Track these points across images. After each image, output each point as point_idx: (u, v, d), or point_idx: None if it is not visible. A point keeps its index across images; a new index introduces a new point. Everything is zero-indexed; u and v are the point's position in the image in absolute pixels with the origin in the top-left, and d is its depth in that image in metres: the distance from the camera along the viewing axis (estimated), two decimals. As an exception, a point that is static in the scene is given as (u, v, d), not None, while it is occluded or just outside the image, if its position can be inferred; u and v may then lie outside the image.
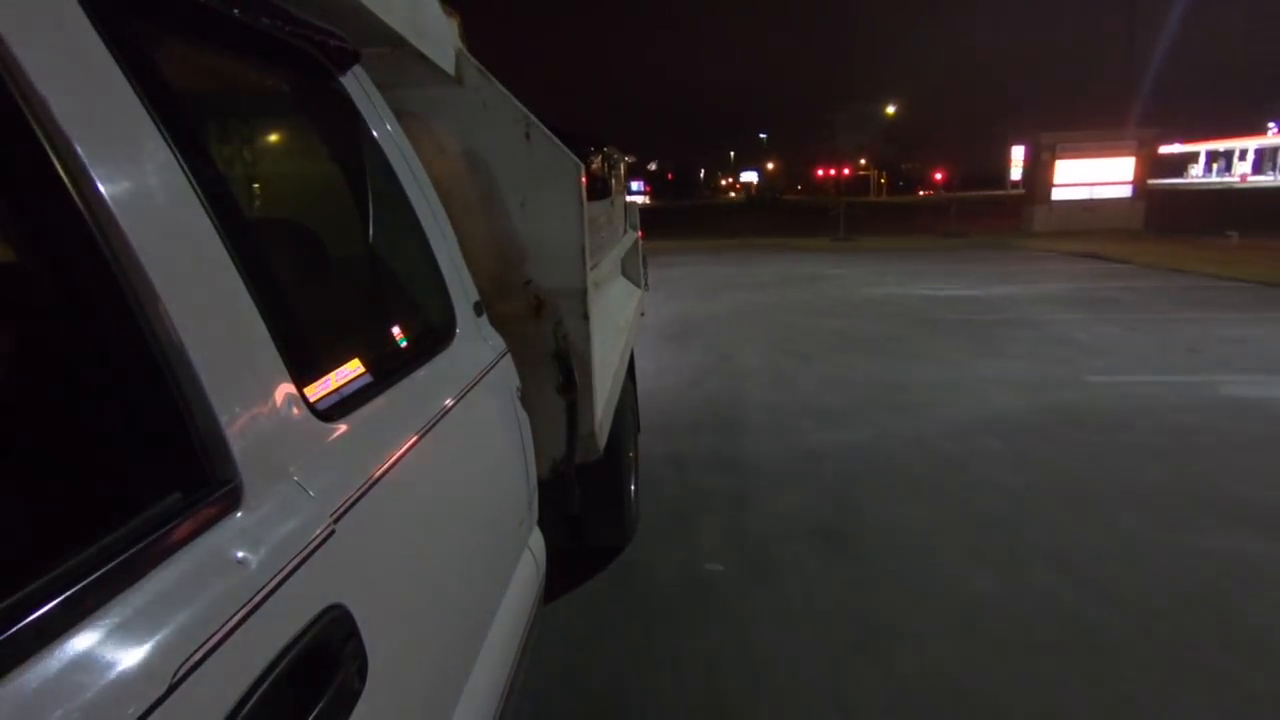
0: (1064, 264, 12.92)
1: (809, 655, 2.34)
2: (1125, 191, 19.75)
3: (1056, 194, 20.07)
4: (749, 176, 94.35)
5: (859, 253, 16.45)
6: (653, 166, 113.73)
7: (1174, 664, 2.23)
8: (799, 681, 2.23)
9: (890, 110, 60.04)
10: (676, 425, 4.56)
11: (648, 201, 64.71)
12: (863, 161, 74.48)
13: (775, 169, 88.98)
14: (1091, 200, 19.75)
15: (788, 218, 27.62)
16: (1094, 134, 20.45)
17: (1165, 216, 15.33)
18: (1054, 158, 19.99)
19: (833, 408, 4.84)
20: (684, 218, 33.52)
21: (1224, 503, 3.26)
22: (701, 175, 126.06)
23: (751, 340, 7.12)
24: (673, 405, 5.00)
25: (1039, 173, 20.49)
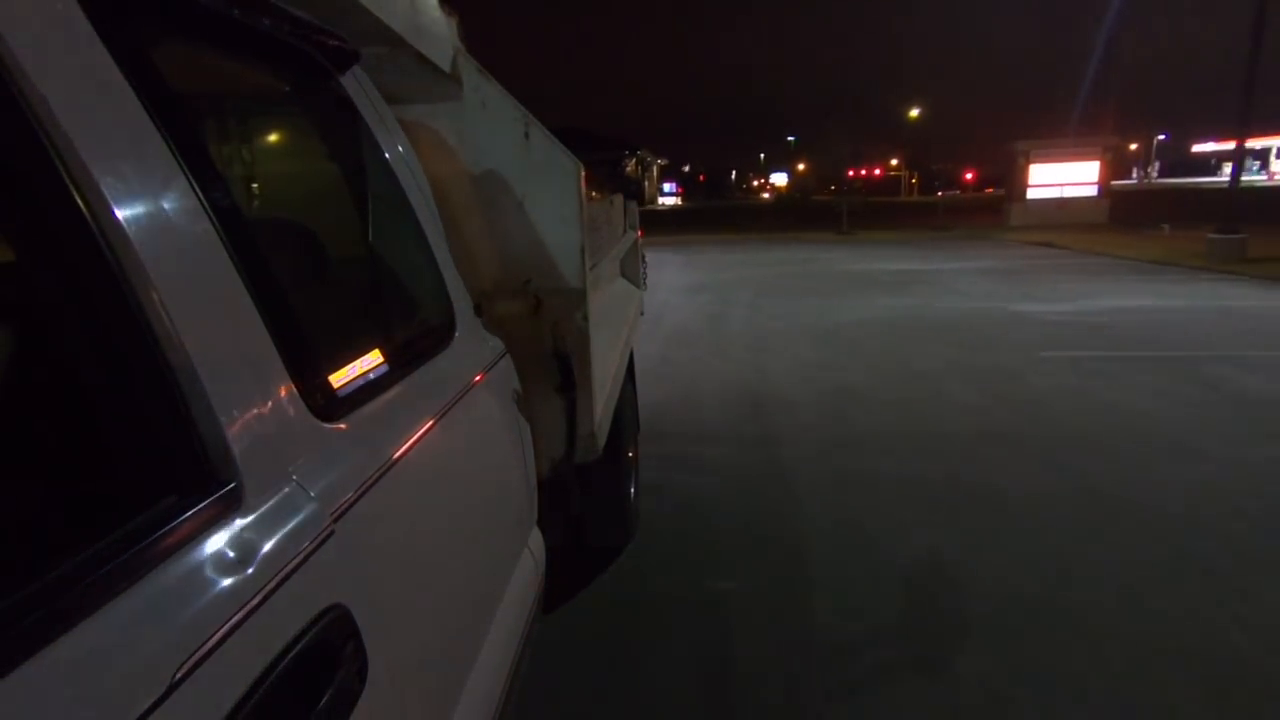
0: (1015, 249, 16.13)
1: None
2: (1092, 191, 22.70)
3: (1031, 193, 23.00)
4: (779, 178, 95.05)
5: (854, 243, 18.97)
6: (686, 169, 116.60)
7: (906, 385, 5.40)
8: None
9: (913, 114, 60.60)
10: (690, 322, 8.48)
11: (679, 202, 65.12)
12: (894, 162, 74.84)
13: (806, 169, 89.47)
14: (1062, 198, 22.62)
15: (807, 215, 30.57)
16: (1062, 141, 23.79)
17: (1126, 212, 17.93)
18: (1028, 162, 23.01)
19: (780, 315, 8.77)
20: (712, 216, 36.62)
21: (954, 340, 6.96)
22: (733, 176, 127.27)
23: (744, 290, 10.89)
24: (689, 317, 8.85)
25: (1015, 175, 23.55)
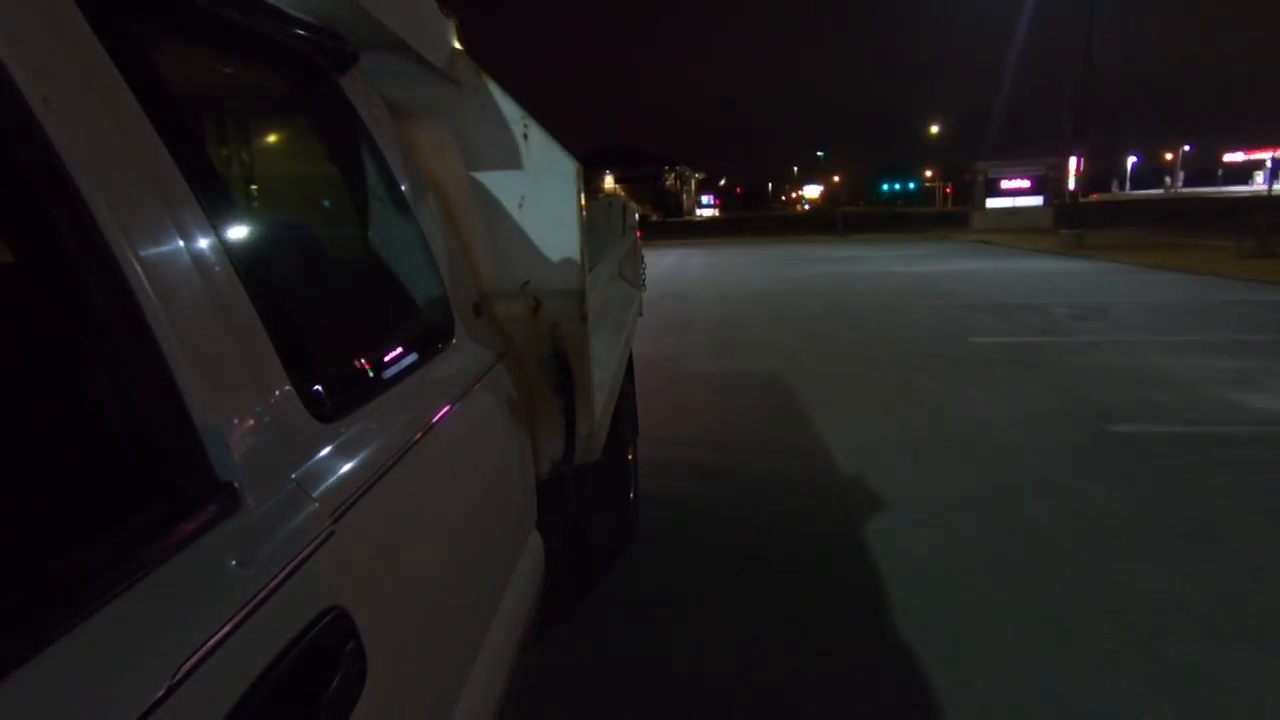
0: (954, 245, 21.34)
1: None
2: (1039, 200, 27.93)
3: (989, 203, 28.70)
4: (811, 190, 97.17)
5: (841, 243, 24.19)
6: (722, 182, 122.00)
7: (824, 308, 9.83)
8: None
9: (934, 130, 64.10)
10: (702, 275, 14.79)
11: (717, 214, 71.84)
12: (928, 174, 75.66)
13: (841, 181, 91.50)
14: (1015, 207, 28.14)
15: (825, 223, 33.57)
16: (1010, 161, 29.86)
17: (1067, 220, 21.30)
18: (985, 178, 29.03)
19: (752, 279, 13.80)
20: (743, 225, 41.29)
21: (843, 277, 13.50)
22: (770, 189, 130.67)
23: (744, 267, 16.56)
24: (702, 274, 15.09)
25: (975, 188, 29.99)
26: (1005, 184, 28.53)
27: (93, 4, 0.71)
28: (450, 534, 1.25)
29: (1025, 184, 28.16)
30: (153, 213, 0.71)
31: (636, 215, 4.58)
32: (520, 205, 1.95)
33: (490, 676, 1.33)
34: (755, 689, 2.22)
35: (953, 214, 36.50)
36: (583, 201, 2.00)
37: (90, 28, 0.70)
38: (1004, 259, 16.08)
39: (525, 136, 1.92)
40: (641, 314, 4.29)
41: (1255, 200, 31.31)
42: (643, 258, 4.76)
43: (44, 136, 0.62)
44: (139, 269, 0.66)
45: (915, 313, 8.89)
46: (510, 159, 1.93)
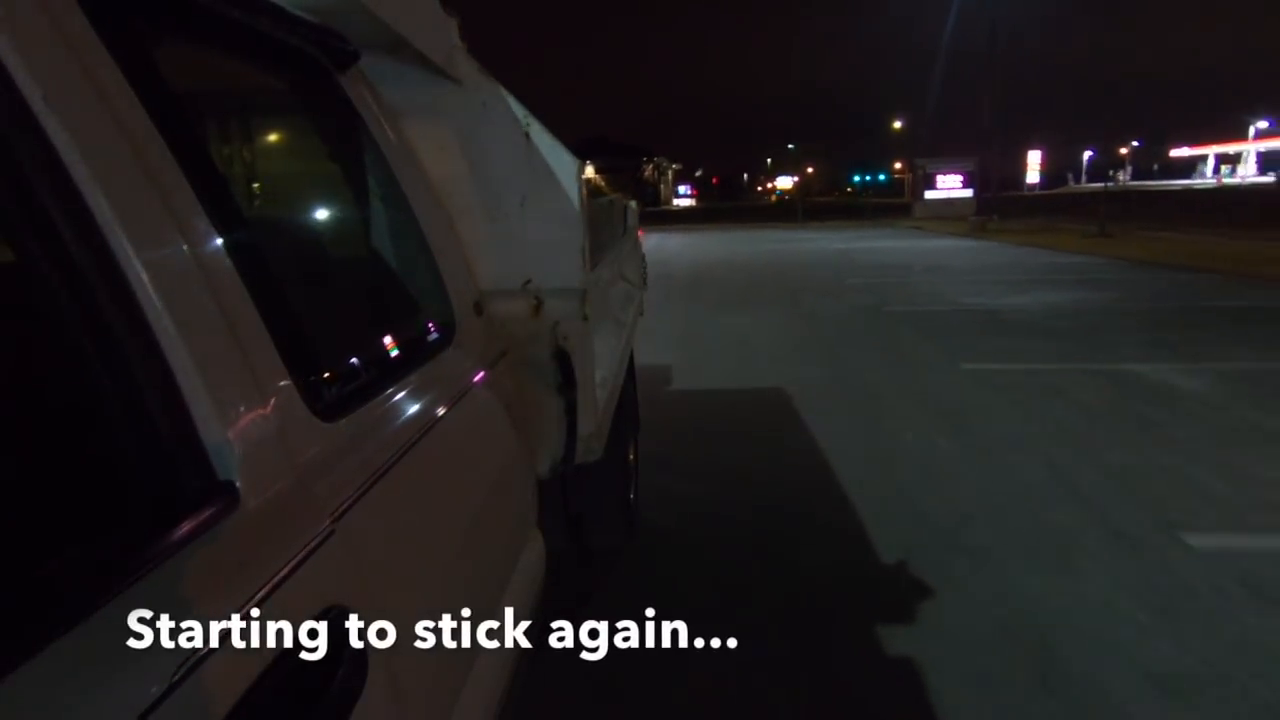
0: (889, 229, 25.92)
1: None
2: (969, 193, 31.51)
3: (927, 195, 33.39)
4: (784, 181, 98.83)
5: (801, 228, 28.89)
6: (699, 173, 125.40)
7: (771, 273, 13.87)
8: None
9: (897, 125, 67.11)
10: (677, 257, 17.28)
11: (693, 203, 75.66)
12: (898, 165, 76.73)
13: (815, 173, 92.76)
14: (950, 199, 32.25)
15: (790, 213, 38.84)
16: (945, 158, 35.04)
17: (992, 210, 25.54)
18: (924, 173, 34.08)
19: (719, 252, 19.05)
20: (717, 214, 46.23)
21: (787, 251, 18.37)
22: (746, 179, 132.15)
23: (714, 245, 21.16)
24: (680, 248, 20.16)
25: (916, 182, 35.17)
26: (940, 178, 33.33)
27: (93, 2, 0.71)
28: (451, 533, 1.25)
29: (958, 179, 32.62)
30: (153, 211, 0.71)
31: (638, 215, 4.57)
32: (522, 204, 1.95)
33: (491, 675, 1.32)
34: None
35: (901, 205, 39.46)
36: (584, 200, 2.00)
37: (91, 26, 0.70)
38: (917, 239, 21.03)
39: (527, 135, 1.92)
40: (643, 313, 4.29)
41: (1167, 193, 39.35)
42: (644, 257, 4.75)
43: (44, 136, 0.61)
44: (139, 268, 0.66)
45: (822, 270, 13.80)
46: (512, 158, 1.93)
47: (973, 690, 2.11)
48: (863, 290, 10.49)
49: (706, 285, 11.96)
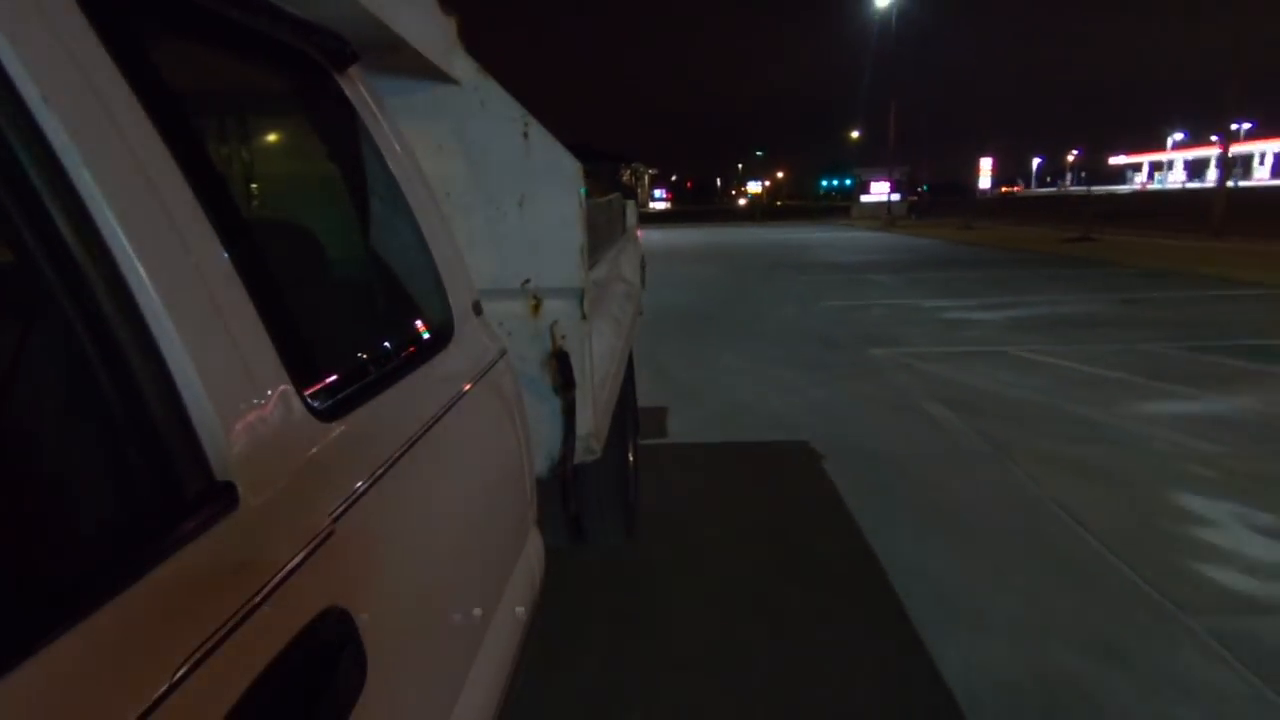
0: (828, 226, 32.61)
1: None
2: (898, 197, 37.39)
3: (863, 198, 40.36)
4: (754, 186, 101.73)
5: (758, 226, 35.36)
6: (674, 177, 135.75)
7: (745, 257, 19.51)
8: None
9: (854, 135, 74.70)
10: (655, 245, 18.83)
11: (669, 206, 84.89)
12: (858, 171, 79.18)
13: (785, 177, 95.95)
14: (883, 201, 37.12)
15: (753, 215, 48.22)
16: (877, 166, 43.36)
17: (922, 211, 31.11)
18: (860, 179, 42.41)
19: (689, 242, 25.64)
20: (690, 216, 55.60)
21: (738, 240, 26.39)
22: (719, 184, 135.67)
23: (685, 238, 27.45)
24: (660, 241, 24.36)
25: (857, 186, 43.05)
26: (874, 184, 41.96)
27: (92, 2, 0.70)
28: (450, 533, 1.25)
29: (885, 185, 38.88)
30: (151, 211, 0.71)
31: (638, 215, 4.57)
32: (520, 204, 1.95)
33: (490, 676, 1.32)
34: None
35: (844, 207, 46.21)
36: (583, 200, 2.00)
37: (90, 26, 0.70)
38: (840, 232, 28.48)
39: (526, 135, 1.92)
40: (642, 313, 4.29)
41: (1072, 197, 45.48)
42: (643, 257, 4.75)
43: (43, 135, 0.61)
44: (138, 267, 0.66)
45: (754, 248, 21.19)
46: (511, 157, 1.93)
47: (763, 275, 14.15)
48: (770, 256, 18.56)
49: (677, 256, 19.36)
